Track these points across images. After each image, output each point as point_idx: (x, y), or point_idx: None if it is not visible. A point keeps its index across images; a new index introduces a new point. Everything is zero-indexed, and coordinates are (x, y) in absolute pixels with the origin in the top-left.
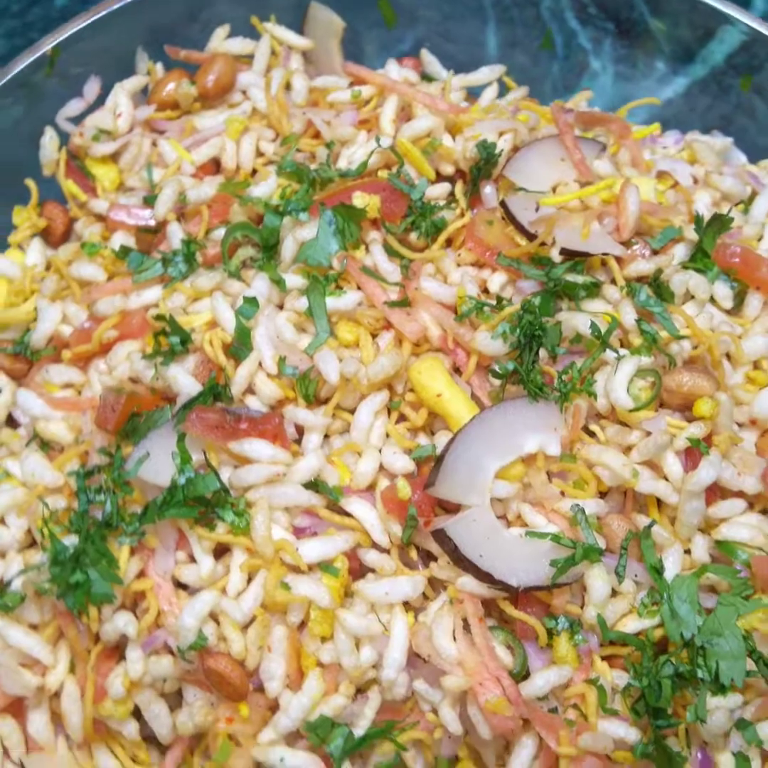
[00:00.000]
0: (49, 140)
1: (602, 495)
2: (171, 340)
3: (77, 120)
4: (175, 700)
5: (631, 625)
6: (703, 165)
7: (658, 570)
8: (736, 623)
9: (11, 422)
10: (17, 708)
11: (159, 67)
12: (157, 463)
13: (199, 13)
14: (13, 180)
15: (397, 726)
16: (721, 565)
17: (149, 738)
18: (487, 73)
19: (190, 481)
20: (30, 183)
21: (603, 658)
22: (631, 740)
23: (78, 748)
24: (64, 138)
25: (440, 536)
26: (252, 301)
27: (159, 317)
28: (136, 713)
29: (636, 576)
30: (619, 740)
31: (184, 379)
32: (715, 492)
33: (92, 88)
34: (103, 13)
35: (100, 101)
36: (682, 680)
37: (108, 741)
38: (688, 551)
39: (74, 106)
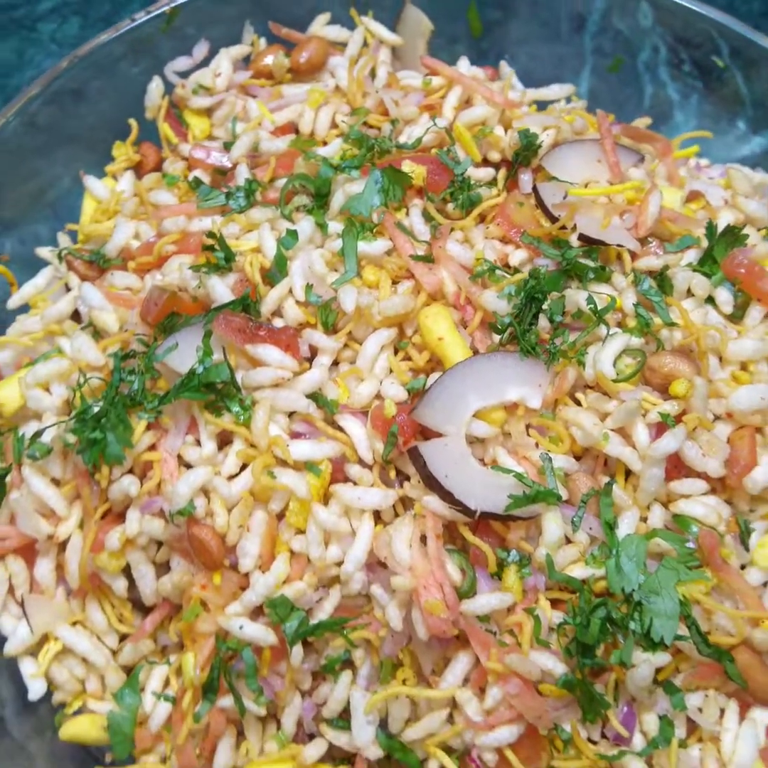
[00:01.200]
0: (155, 88)
1: (577, 458)
2: (217, 255)
3: (183, 75)
4: (162, 572)
5: (578, 571)
6: (736, 191)
7: (611, 526)
8: (675, 587)
9: (76, 317)
10: (28, 553)
11: (262, 41)
12: (183, 354)
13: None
14: (119, 118)
15: (350, 623)
16: (672, 534)
17: (135, 602)
18: (556, 90)
19: (206, 370)
20: (132, 122)
21: (547, 600)
22: (558, 673)
23: (73, 598)
24: (168, 88)
25: (413, 453)
26: (293, 234)
27: (210, 234)
28: (127, 577)
29: (590, 529)
30: (546, 672)
31: (221, 289)
32: (681, 469)
33: (201, 49)
34: None
35: (205, 63)
36: (614, 626)
37: (99, 597)
38: (645, 520)
39: (182, 63)
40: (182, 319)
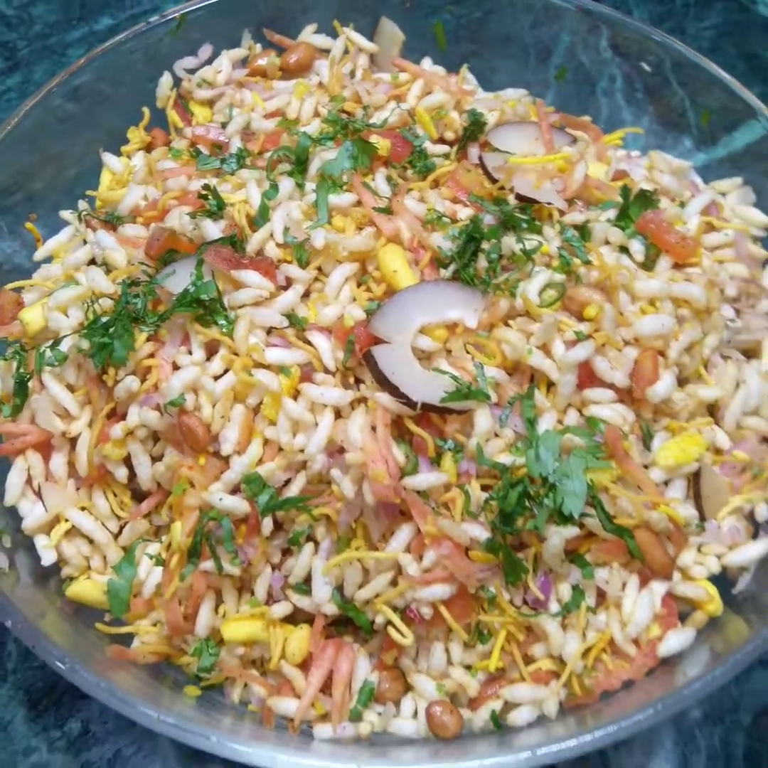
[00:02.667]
0: (165, 81)
1: (508, 375)
2: (210, 203)
3: (189, 72)
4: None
5: (503, 458)
6: (654, 167)
7: (532, 423)
8: (583, 472)
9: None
10: (44, 449)
11: (258, 46)
12: (179, 279)
13: (296, 12)
14: (134, 107)
15: (312, 501)
16: (582, 429)
17: (134, 493)
18: (511, 93)
19: (197, 288)
20: (145, 110)
21: (477, 481)
22: (483, 539)
23: (82, 488)
24: (176, 82)
25: (367, 356)
26: (275, 188)
27: (205, 187)
28: (129, 469)
29: (515, 426)
30: (474, 540)
31: (212, 229)
32: (593, 380)
33: (205, 51)
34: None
35: (208, 62)
36: (530, 500)
37: (104, 487)
38: (562, 422)
39: (189, 61)
40: (180, 255)
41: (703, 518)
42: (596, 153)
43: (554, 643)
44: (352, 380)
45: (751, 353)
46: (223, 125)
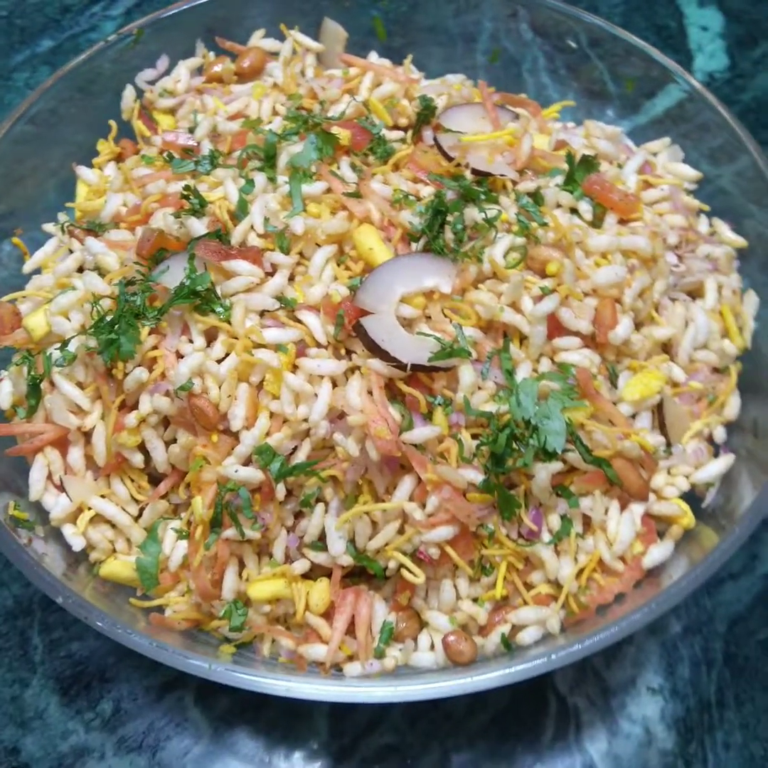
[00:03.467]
0: (129, 94)
1: (482, 330)
2: (192, 202)
3: (150, 83)
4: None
5: (488, 407)
6: (591, 135)
7: (511, 373)
8: (561, 411)
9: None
10: (61, 445)
11: (211, 54)
12: (173, 274)
13: (244, 19)
14: (101, 121)
15: (319, 465)
16: (555, 373)
17: (150, 477)
18: (452, 79)
19: (192, 280)
20: (112, 123)
21: (467, 431)
22: (478, 481)
23: (100, 478)
24: (139, 93)
25: (357, 326)
26: (251, 182)
27: (186, 187)
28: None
29: (495, 378)
30: (470, 483)
31: (198, 226)
32: (561, 331)
33: (163, 62)
34: (177, 10)
35: (167, 73)
36: (517, 442)
37: (121, 475)
38: (535, 371)
39: (149, 73)
40: (170, 253)
41: (669, 444)
42: (538, 126)
43: (550, 569)
44: (343, 352)
45: (695, 294)
46: (191, 130)
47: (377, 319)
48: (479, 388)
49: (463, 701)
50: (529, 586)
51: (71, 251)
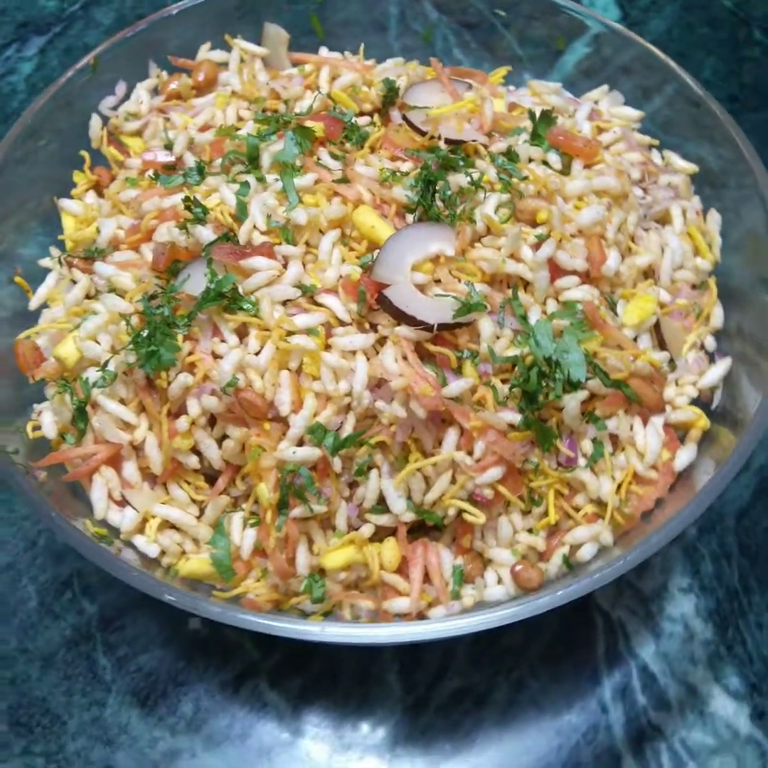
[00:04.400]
0: (95, 123)
1: (487, 284)
2: (195, 211)
3: (113, 109)
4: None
5: (511, 352)
6: (539, 93)
7: (524, 318)
8: (577, 344)
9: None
10: (114, 461)
11: (164, 73)
12: (195, 281)
13: (191, 35)
14: (73, 152)
15: (368, 434)
16: (565, 311)
17: (205, 476)
18: (390, 63)
19: (217, 283)
20: (84, 153)
21: (496, 377)
22: (517, 421)
23: (157, 486)
24: (105, 120)
25: (381, 298)
26: (245, 184)
27: (185, 198)
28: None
29: (511, 325)
30: (510, 424)
31: (206, 232)
32: (559, 272)
33: (121, 88)
34: (124, 37)
35: (126, 97)
36: (545, 378)
37: (177, 480)
38: (544, 313)
39: (110, 100)
40: (182, 264)
41: (672, 359)
42: (490, 92)
43: (591, 489)
44: (367, 326)
45: (663, 221)
46: (168, 146)
47: (397, 288)
48: (498, 337)
49: (518, 635)
50: (576, 510)
51: (74, 281)
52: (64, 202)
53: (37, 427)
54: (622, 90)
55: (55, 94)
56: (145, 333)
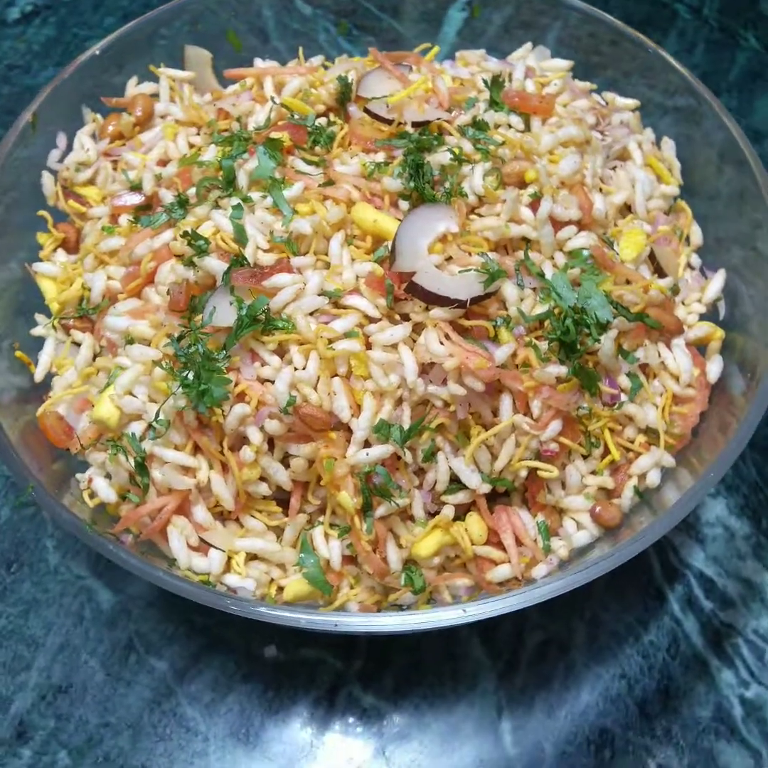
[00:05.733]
0: (47, 180)
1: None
2: (197, 244)
3: (59, 162)
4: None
5: (538, 309)
6: (473, 64)
7: (541, 275)
8: (596, 287)
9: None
10: (184, 509)
11: (99, 116)
12: (221, 312)
13: (114, 76)
14: (30, 214)
15: (426, 420)
16: (575, 260)
17: (275, 500)
18: (319, 59)
19: (249, 308)
20: (44, 213)
21: (530, 337)
22: (564, 373)
23: (230, 525)
24: (55, 176)
25: (411, 286)
26: (238, 207)
27: (183, 234)
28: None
29: (531, 284)
30: (557, 377)
31: (216, 263)
32: (556, 225)
33: (61, 139)
34: (55, 85)
35: (69, 147)
36: (578, 326)
37: (249, 511)
38: (555, 266)
39: (54, 154)
40: (198, 298)
41: (675, 283)
42: (430, 71)
43: (639, 419)
44: (397, 318)
45: (622, 157)
46: (134, 187)
47: (422, 274)
48: (522, 299)
49: None
50: (630, 442)
51: (75, 343)
52: (39, 267)
53: (91, 494)
54: (511, 44)
55: (3, 162)
56: (188, 374)
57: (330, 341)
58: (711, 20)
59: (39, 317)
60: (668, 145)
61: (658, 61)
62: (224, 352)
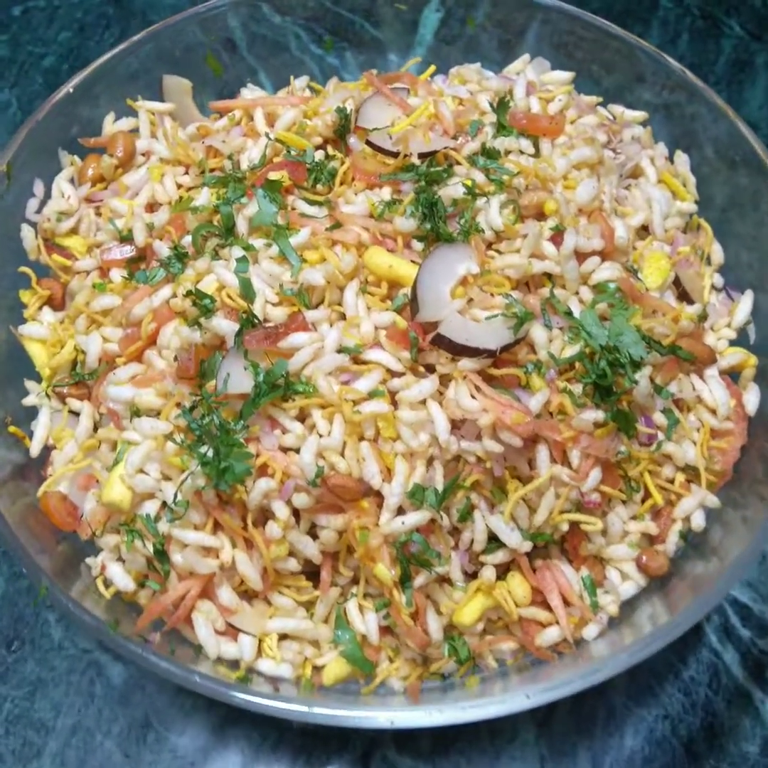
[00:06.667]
0: (27, 233)
1: (514, 290)
2: (203, 303)
3: (38, 212)
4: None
5: (569, 351)
6: (471, 82)
7: (569, 313)
8: (627, 323)
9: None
10: (208, 592)
11: (76, 158)
12: (235, 378)
13: (89, 112)
14: (11, 271)
15: (460, 477)
16: (603, 294)
17: (304, 573)
18: (300, 83)
19: (265, 376)
20: (25, 269)
21: (562, 380)
22: (601, 418)
23: (257, 604)
24: (35, 228)
25: (438, 339)
26: (243, 260)
27: (188, 293)
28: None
29: (558, 324)
30: (594, 422)
31: (225, 323)
32: (579, 257)
33: (39, 187)
34: (29, 128)
35: (47, 195)
36: (613, 367)
37: (277, 588)
38: (581, 301)
39: (32, 204)
40: (207, 363)
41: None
42: (427, 92)
43: (678, 457)
44: (421, 370)
45: (634, 174)
46: (124, 239)
47: (448, 324)
48: (550, 340)
49: None
50: (670, 482)
51: (72, 412)
52: (25, 329)
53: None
54: (488, 46)
55: None
56: (206, 450)
57: (354, 402)
58: (693, 9)
59: (30, 384)
60: (682, 159)
61: (652, 60)
62: (242, 421)
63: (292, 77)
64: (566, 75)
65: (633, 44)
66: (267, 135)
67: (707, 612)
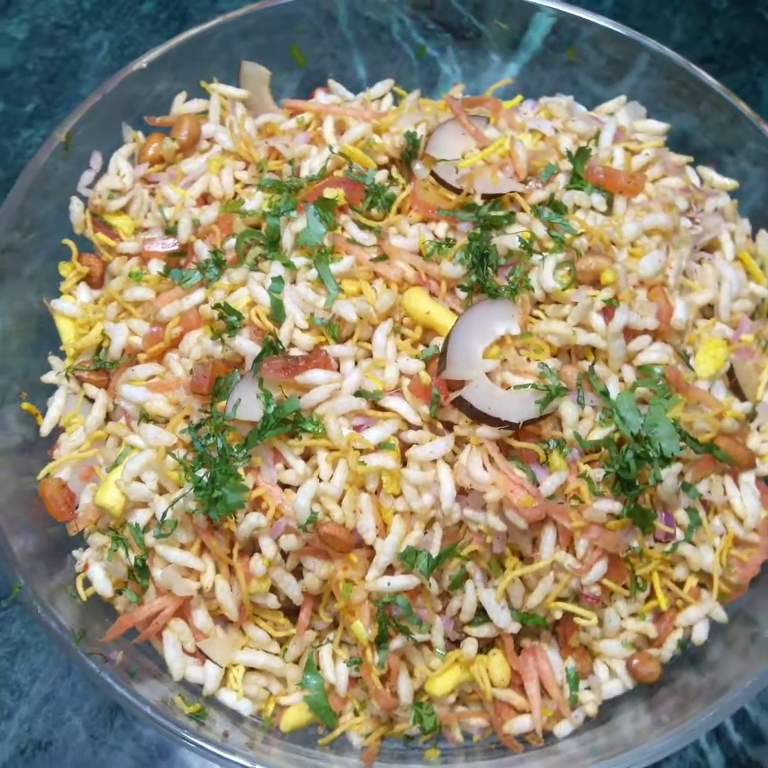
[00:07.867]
0: (76, 206)
1: (554, 356)
2: (229, 319)
3: (90, 187)
4: (296, 574)
5: (597, 434)
6: (558, 118)
7: (605, 394)
8: (664, 415)
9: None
10: (183, 612)
11: (140, 134)
12: (247, 405)
13: (161, 88)
14: (55, 242)
15: (458, 545)
16: (646, 380)
17: (283, 609)
18: (381, 88)
19: (277, 408)
20: (68, 242)
21: (584, 463)
22: (617, 510)
23: (231, 631)
24: (85, 202)
25: (459, 401)
26: (278, 280)
27: (216, 306)
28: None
29: (592, 402)
30: (609, 513)
31: (247, 344)
32: (629, 334)
33: (96, 160)
34: (95, 101)
35: (104, 169)
36: (640, 459)
37: (253, 619)
38: (621, 380)
39: (87, 177)
40: (223, 380)
41: (753, 407)
42: (508, 124)
43: (693, 562)
44: (439, 426)
45: (709, 247)
46: (169, 231)
47: (474, 387)
48: (580, 418)
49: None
50: (678, 584)
51: (88, 397)
52: (57, 304)
53: (83, 576)
54: (596, 63)
55: (31, 183)
56: (203, 474)
57: (362, 451)
58: None
59: (53, 360)
60: (765, 238)
61: (754, 128)
62: (245, 450)
63: (367, 90)
64: (660, 127)
65: (738, 110)
66: (331, 149)
67: (696, 739)
